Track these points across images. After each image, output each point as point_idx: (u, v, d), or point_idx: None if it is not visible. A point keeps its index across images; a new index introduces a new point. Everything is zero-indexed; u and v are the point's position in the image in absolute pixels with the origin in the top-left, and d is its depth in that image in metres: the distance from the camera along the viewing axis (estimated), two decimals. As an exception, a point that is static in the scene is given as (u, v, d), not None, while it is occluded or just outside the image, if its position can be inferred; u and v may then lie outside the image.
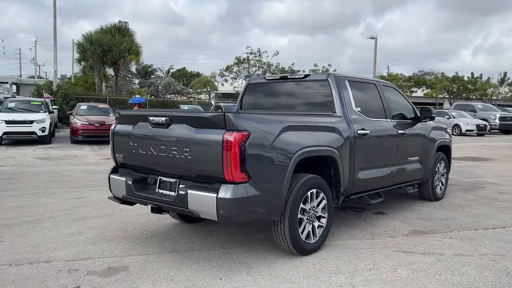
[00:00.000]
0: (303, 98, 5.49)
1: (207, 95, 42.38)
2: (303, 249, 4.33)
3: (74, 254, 4.39)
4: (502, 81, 50.28)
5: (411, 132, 6.15)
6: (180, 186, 4.09)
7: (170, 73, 53.79)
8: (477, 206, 6.81)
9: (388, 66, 61.57)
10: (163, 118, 4.07)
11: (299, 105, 5.50)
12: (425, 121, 6.46)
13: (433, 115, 6.32)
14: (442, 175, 7.27)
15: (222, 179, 3.71)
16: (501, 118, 26.97)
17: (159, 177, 4.33)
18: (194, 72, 63.99)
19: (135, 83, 47.89)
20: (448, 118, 25.81)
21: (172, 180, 4.21)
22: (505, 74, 50.63)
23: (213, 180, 3.82)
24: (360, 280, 3.82)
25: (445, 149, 7.24)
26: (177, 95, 39.03)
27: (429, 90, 45.91)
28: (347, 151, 4.83)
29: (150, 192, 4.34)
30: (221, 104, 30.90)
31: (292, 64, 37.61)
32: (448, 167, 7.44)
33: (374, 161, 5.38)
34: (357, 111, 5.21)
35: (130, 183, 4.37)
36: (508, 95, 49.95)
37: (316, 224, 4.49)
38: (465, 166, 11.63)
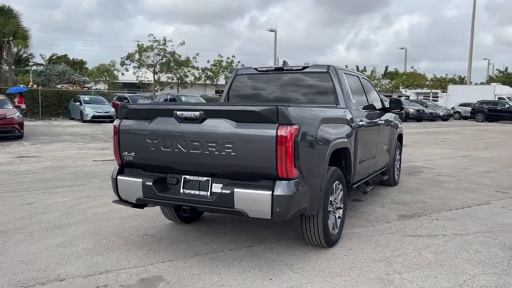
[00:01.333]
0: (302, 90, 5.46)
1: (105, 85, 39.70)
2: (330, 242, 4.35)
3: (87, 268, 3.86)
4: (384, 74, 55.50)
5: (385, 122, 6.50)
6: (215, 184, 3.83)
7: (51, 61, 49.53)
8: (431, 188, 7.46)
9: (278, 59, 64.20)
10: (197, 113, 3.74)
11: (298, 97, 5.46)
12: (394, 112, 6.87)
13: (402, 106, 6.74)
14: (398, 162, 7.83)
15: (273, 176, 3.55)
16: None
17: (183, 176, 4.00)
18: (77, 59, 59.61)
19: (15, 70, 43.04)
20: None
21: (202, 179, 3.91)
22: (386, 67, 55.94)
23: (260, 177, 3.64)
24: (400, 267, 3.96)
25: (400, 137, 7.79)
26: (72, 85, 35.93)
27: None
28: (353, 142, 4.94)
29: (173, 192, 3.99)
30: (126, 95, 29.31)
31: (197, 54, 37.11)
32: (400, 154, 8.03)
33: (366, 151, 5.58)
34: (354, 102, 5.35)
35: (151, 184, 3.96)
36: (388, 86, 55.30)
37: (337, 215, 4.54)
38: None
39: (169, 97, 23.65)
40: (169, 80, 37.86)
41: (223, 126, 3.67)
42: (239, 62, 39.23)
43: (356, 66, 54.23)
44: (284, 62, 5.68)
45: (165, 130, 3.92)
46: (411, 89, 52.02)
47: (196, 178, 3.94)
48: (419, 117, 32.27)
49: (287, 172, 3.50)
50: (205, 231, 4.94)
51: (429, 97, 47.31)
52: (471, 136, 19.71)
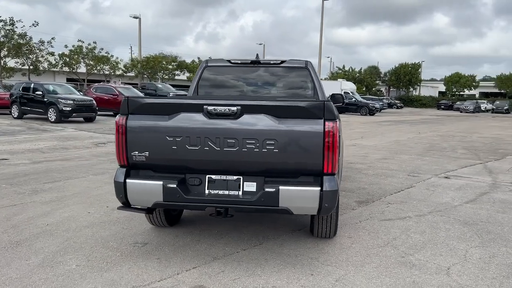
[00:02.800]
0: (280, 84, 5.46)
1: None
2: (335, 233, 4.51)
3: (112, 283, 3.35)
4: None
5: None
6: (247, 183, 3.65)
7: None
8: (358, 176, 8.19)
9: (131, 46, 62.48)
10: (234, 108, 3.51)
11: (275, 91, 5.45)
12: (336, 105, 7.30)
13: (344, 100, 7.22)
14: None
15: (317, 172, 3.55)
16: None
17: (207, 176, 3.71)
18: None
19: None
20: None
21: (231, 178, 3.69)
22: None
23: (300, 174, 3.60)
24: (405, 249, 4.33)
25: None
26: None
27: (191, 74, 48.53)
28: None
29: (199, 194, 3.68)
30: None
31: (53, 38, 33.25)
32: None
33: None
34: (326, 97, 5.58)
35: (175, 186, 3.59)
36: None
37: (334, 206, 4.72)
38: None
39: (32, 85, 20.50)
40: (19, 66, 33.38)
41: (264, 122, 3.52)
42: (102, 49, 36.65)
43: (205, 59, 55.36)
44: (257, 56, 5.59)
45: (192, 126, 3.58)
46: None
47: (223, 177, 3.71)
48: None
49: (332, 167, 3.54)
50: (198, 233, 4.65)
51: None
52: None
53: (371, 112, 35.57)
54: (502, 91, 66.66)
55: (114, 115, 20.75)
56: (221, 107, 3.52)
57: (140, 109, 3.69)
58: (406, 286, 3.51)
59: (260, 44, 61.25)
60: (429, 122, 27.57)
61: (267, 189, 3.52)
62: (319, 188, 3.50)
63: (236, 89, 5.51)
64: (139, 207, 3.83)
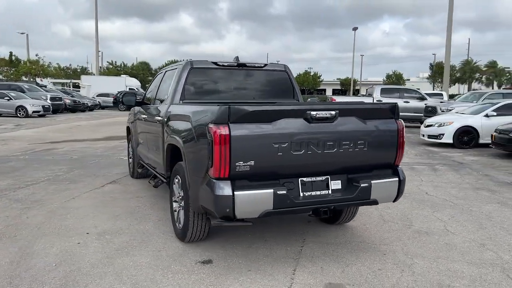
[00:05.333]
0: (264, 87, 5.58)
1: None
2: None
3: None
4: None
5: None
6: (333, 182, 3.91)
7: None
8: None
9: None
10: (333, 112, 3.72)
11: (259, 94, 5.55)
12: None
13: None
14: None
15: (390, 165, 4.10)
16: (51, 99, 27.89)
17: (300, 179, 3.80)
18: None
19: None
20: (8, 100, 24.12)
21: (318, 178, 3.87)
22: None
23: (375, 168, 4.08)
24: (419, 226, 5.26)
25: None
26: None
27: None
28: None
29: (303, 197, 3.76)
30: None
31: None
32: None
33: None
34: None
35: (285, 192, 3.58)
36: (9, 74, 50.07)
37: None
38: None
39: None
40: None
41: (355, 123, 3.86)
42: None
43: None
44: (237, 58, 5.53)
45: (296, 132, 3.62)
46: (44, 78, 49.20)
47: (313, 178, 3.85)
48: (75, 107, 31.55)
49: (400, 159, 4.16)
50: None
51: (69, 87, 46.34)
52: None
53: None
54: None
55: None
56: (323, 112, 3.70)
57: (243, 117, 3.49)
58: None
59: (22, 33, 53.27)
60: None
61: (363, 185, 3.88)
62: (397, 178, 4.07)
63: (219, 91, 5.39)
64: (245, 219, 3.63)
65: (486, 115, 12.63)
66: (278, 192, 3.56)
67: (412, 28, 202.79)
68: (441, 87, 35.55)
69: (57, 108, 28.09)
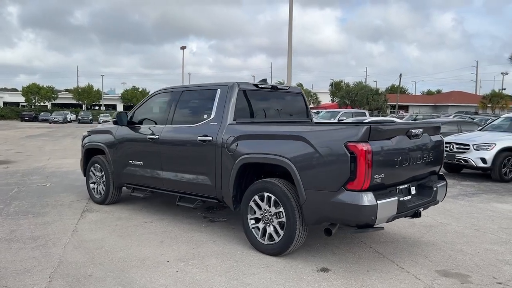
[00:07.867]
0: (285, 107, 5.99)
1: None
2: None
3: None
4: None
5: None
6: (413, 188, 4.67)
7: None
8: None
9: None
10: (421, 129, 4.55)
11: (284, 114, 5.94)
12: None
13: None
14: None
15: (435, 172, 5.09)
16: None
17: (398, 187, 4.45)
18: None
19: None
20: None
21: (406, 185, 4.60)
22: None
23: (431, 174, 5.02)
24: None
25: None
26: None
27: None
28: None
29: (407, 201, 4.41)
30: None
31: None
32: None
33: None
34: None
35: (403, 199, 4.24)
36: None
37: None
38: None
39: None
40: None
41: (427, 138, 4.79)
42: None
43: None
44: (265, 81, 5.78)
45: (406, 146, 4.37)
46: None
47: (402, 186, 4.55)
48: None
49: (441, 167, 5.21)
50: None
51: None
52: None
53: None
54: (80, 102, 71.65)
55: None
56: (417, 130, 4.50)
57: (376, 135, 4.01)
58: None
59: None
60: (43, 136, 25.82)
61: (434, 189, 4.77)
62: (445, 182, 5.10)
63: (258, 111, 5.59)
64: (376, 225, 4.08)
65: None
66: (400, 199, 4.18)
67: (216, 50, 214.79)
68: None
69: None
